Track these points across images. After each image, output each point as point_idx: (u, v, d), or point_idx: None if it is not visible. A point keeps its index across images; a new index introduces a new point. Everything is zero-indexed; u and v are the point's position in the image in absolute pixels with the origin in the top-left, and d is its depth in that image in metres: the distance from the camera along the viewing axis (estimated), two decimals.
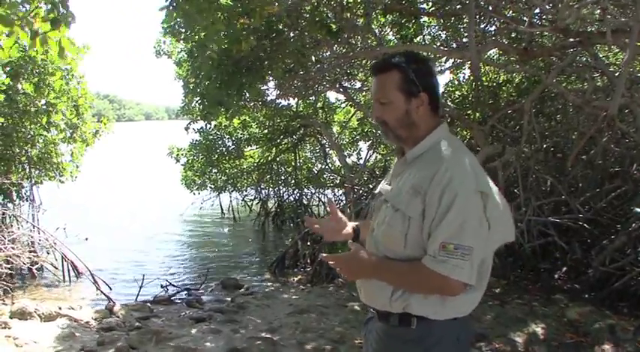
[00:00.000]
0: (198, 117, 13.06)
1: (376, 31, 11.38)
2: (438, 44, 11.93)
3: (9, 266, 9.81)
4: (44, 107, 10.06)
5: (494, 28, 10.88)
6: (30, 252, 10.95)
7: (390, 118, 2.71)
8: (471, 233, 2.46)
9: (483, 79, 12.20)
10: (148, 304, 9.82)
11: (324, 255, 2.88)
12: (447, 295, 2.56)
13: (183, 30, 10.47)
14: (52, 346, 7.05)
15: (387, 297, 2.67)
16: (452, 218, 2.44)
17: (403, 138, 2.75)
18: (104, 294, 10.51)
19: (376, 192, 3.04)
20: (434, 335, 2.64)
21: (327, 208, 3.12)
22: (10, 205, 12.36)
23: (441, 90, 13.94)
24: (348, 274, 2.89)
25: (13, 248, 9.91)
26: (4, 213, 11.82)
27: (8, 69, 8.95)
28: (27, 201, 12.93)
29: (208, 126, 14.95)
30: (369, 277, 2.76)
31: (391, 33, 12.49)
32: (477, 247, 2.48)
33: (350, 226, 3.20)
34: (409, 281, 2.62)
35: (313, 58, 10.44)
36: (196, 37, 9.78)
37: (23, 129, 10.40)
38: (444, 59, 12.03)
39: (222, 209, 21.12)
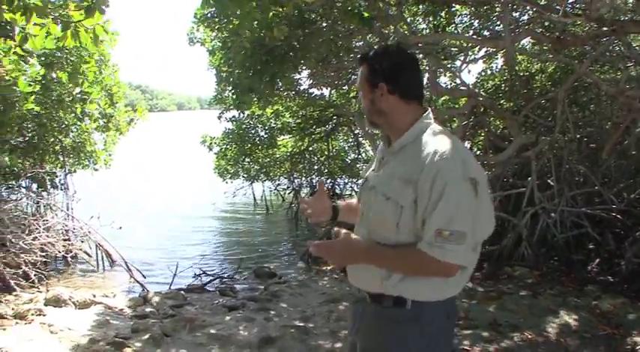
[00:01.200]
0: (231, 107, 13.03)
1: (408, 19, 11.27)
2: (471, 33, 11.77)
3: (44, 254, 9.84)
4: (79, 95, 10.05)
5: (527, 17, 10.74)
6: (64, 240, 11.00)
7: (364, 107, 3.00)
8: (463, 218, 2.60)
9: (516, 68, 12.08)
10: (182, 292, 9.82)
11: (314, 243, 2.94)
12: (443, 277, 2.72)
13: (217, 19, 10.46)
14: (86, 333, 7.05)
15: (380, 282, 2.80)
16: (444, 206, 2.56)
17: (378, 124, 2.97)
18: (138, 282, 10.56)
19: (364, 177, 3.18)
20: (428, 315, 2.79)
21: (317, 188, 3.19)
22: (44, 194, 12.40)
23: (473, 79, 13.92)
24: (337, 260, 3.02)
25: (47, 236, 9.95)
26: (38, 202, 11.88)
27: (43, 59, 8.95)
28: (61, 189, 12.99)
29: (241, 115, 14.93)
30: (359, 263, 2.89)
31: (423, 22, 12.36)
32: (469, 231, 2.61)
33: (329, 206, 3.39)
34: (404, 266, 2.75)
35: (346, 47, 10.34)
36: (230, 25, 9.75)
37: (57, 119, 10.40)
38: (476, 48, 11.92)
39: (254, 198, 21.12)
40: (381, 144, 3.16)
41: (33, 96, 7.42)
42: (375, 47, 2.97)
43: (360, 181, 3.23)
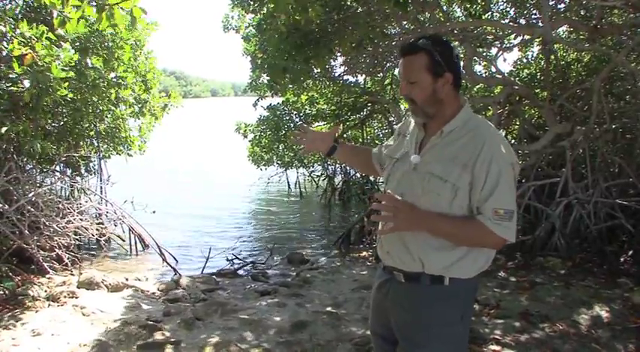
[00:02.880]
0: (266, 94, 13.02)
1: (444, 7, 11.17)
2: (507, 20, 11.63)
3: (77, 237, 9.92)
4: (114, 81, 10.08)
5: (563, 5, 10.58)
6: (98, 224, 11.06)
7: (418, 96, 2.97)
8: (512, 198, 2.88)
9: (552, 57, 11.95)
10: (214, 276, 9.87)
11: (381, 194, 2.96)
12: (492, 248, 3.01)
13: (252, 2, 10.44)
14: (118, 315, 7.12)
15: (420, 261, 2.96)
16: (500, 189, 2.82)
17: (431, 114, 3.02)
18: (170, 266, 10.63)
19: (396, 156, 3.25)
20: (464, 290, 3.03)
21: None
22: (78, 178, 12.48)
23: (509, 68, 13.78)
24: (402, 221, 2.89)
25: (81, 219, 10.02)
26: (72, 186, 11.96)
27: (77, 44, 8.98)
28: (95, 174, 13.07)
29: (276, 101, 14.92)
30: (426, 228, 2.91)
31: (459, 9, 12.25)
32: (515, 209, 2.90)
33: (329, 140, 3.63)
34: (466, 235, 2.91)
35: (381, 32, 10.25)
36: (265, 8, 9.72)
37: (92, 104, 10.44)
38: (512, 36, 11.79)
39: (289, 185, 21.23)
40: (410, 126, 3.25)
41: (67, 83, 7.42)
42: (426, 36, 2.88)
43: (394, 159, 3.17)
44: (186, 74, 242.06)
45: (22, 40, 6.62)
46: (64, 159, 10.98)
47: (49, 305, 7.36)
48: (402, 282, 3.07)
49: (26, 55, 6.62)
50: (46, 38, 6.72)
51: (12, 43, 6.57)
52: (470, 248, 2.94)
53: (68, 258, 9.36)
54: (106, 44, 9.46)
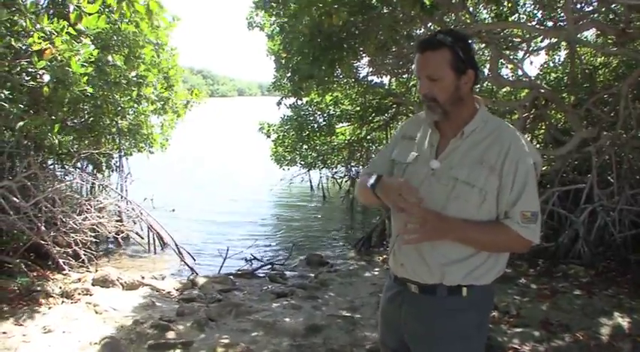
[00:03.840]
0: (290, 93, 12.96)
1: (470, 8, 11.04)
2: (534, 23, 11.47)
3: (94, 234, 9.90)
4: (135, 79, 10.04)
5: (590, 8, 10.42)
6: (117, 221, 11.06)
7: (440, 94, 2.81)
8: (537, 199, 2.81)
9: (577, 61, 11.80)
10: (231, 277, 9.80)
11: (407, 202, 2.74)
12: (521, 251, 3.03)
13: (275, 4, 10.37)
14: (131, 314, 7.10)
15: (441, 271, 2.82)
16: (526, 191, 2.74)
17: (450, 114, 2.86)
18: (187, 266, 10.60)
19: (406, 161, 3.02)
20: (482, 299, 2.92)
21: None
22: (98, 175, 12.48)
23: (536, 71, 13.62)
24: (432, 233, 2.76)
25: (98, 216, 10.00)
26: (93, 183, 11.95)
27: (99, 41, 8.96)
28: (116, 171, 13.07)
29: (300, 102, 14.86)
30: (453, 237, 2.79)
31: (485, 11, 12.11)
32: (539, 210, 2.83)
33: None
34: (494, 240, 2.82)
35: (406, 34, 10.15)
36: (289, 10, 9.65)
37: (114, 101, 10.41)
38: (539, 39, 11.64)
39: (311, 185, 21.12)
40: (420, 128, 3.08)
41: (86, 78, 7.38)
42: (444, 31, 2.72)
43: (404, 165, 2.98)
44: (214, 73, 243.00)
45: (42, 34, 6.58)
46: (83, 155, 10.93)
47: (63, 301, 7.37)
48: (417, 294, 2.94)
49: (46, 49, 6.58)
50: (66, 33, 6.67)
51: (32, 37, 6.53)
52: (489, 254, 2.84)
53: (85, 255, 9.34)
54: (127, 43, 9.42)
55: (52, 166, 10.78)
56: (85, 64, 6.94)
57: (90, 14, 6.01)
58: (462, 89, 2.82)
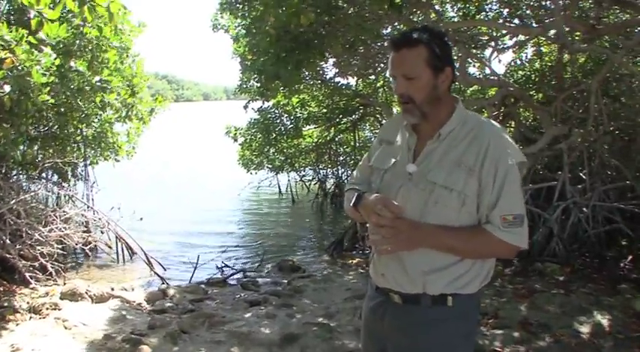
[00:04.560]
0: (257, 97, 12.85)
1: (437, 7, 11.02)
2: (500, 21, 11.46)
3: (61, 246, 9.70)
4: (98, 84, 9.83)
5: (561, 2, 10.43)
6: (84, 231, 10.86)
7: (417, 94, 2.69)
8: (521, 201, 2.68)
9: (546, 58, 11.85)
10: (202, 286, 9.65)
11: (385, 217, 2.64)
12: (507, 257, 2.82)
13: (241, 5, 10.25)
14: (101, 328, 6.91)
15: (422, 279, 2.70)
16: (507, 192, 2.59)
17: (427, 114, 2.74)
18: (158, 275, 10.40)
19: (383, 167, 2.92)
20: (468, 308, 2.78)
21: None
22: (64, 185, 12.25)
23: (504, 69, 13.66)
24: (406, 243, 2.66)
25: (64, 228, 9.79)
26: (58, 193, 11.72)
27: (61, 47, 8.77)
28: (82, 180, 12.83)
29: (267, 104, 14.75)
30: (429, 245, 2.66)
31: (451, 9, 12.09)
32: (524, 213, 2.67)
33: None
34: (473, 247, 2.68)
35: (374, 33, 10.08)
36: (254, 12, 9.53)
37: (77, 108, 10.20)
38: (506, 37, 11.65)
39: (280, 189, 20.91)
40: (397, 131, 2.96)
41: (48, 88, 7.20)
42: (420, 28, 2.57)
43: (382, 171, 2.86)
44: (178, 78, 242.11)
45: (2, 43, 6.40)
46: (47, 164, 10.71)
47: (31, 317, 7.17)
48: (400, 304, 2.80)
49: (6, 59, 6.41)
50: (26, 41, 6.50)
51: None
52: (473, 261, 2.71)
53: (52, 268, 9.14)
54: (90, 48, 9.22)
55: (15, 177, 10.53)
56: (46, 73, 6.78)
57: (52, 21, 5.85)
58: (440, 88, 2.70)
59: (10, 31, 6.39)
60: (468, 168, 2.61)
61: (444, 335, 2.74)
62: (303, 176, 20.41)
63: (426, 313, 2.74)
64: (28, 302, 7.57)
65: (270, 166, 18.35)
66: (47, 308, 7.39)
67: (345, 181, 18.56)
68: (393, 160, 2.87)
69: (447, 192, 2.63)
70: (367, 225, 2.82)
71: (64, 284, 8.68)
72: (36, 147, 11.08)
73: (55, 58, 6.98)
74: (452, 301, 2.70)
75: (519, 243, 2.64)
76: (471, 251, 2.68)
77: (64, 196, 11.71)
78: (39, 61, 6.65)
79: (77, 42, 9.05)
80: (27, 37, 6.49)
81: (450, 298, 2.69)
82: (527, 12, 10.83)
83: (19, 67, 6.53)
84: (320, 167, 19.39)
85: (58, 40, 7.96)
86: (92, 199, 12.36)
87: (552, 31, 9.53)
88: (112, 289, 8.86)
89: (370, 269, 3.02)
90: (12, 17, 8.75)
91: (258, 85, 11.12)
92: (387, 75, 2.83)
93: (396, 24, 10.40)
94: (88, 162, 12.47)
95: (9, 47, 6.41)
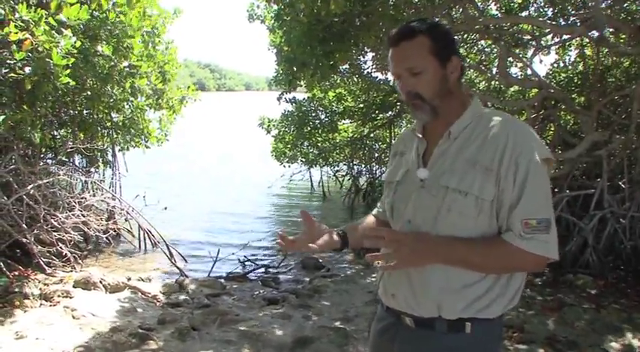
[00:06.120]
0: (285, 85, 12.68)
1: (479, 3, 10.73)
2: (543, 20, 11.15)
3: (81, 232, 9.62)
4: (127, 70, 9.68)
5: (604, 4, 10.08)
6: (108, 218, 10.76)
7: (426, 89, 2.41)
8: (547, 203, 2.30)
9: (589, 61, 11.49)
10: (221, 280, 9.44)
11: (374, 228, 2.53)
12: (533, 271, 2.61)
13: None
14: (110, 320, 6.78)
15: (437, 303, 2.38)
16: (530, 192, 2.25)
17: (439, 110, 2.45)
18: (177, 267, 10.23)
19: (396, 179, 2.65)
20: (490, 335, 2.45)
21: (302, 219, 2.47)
22: (92, 170, 12.17)
23: (545, 71, 13.31)
24: (410, 258, 2.33)
25: (84, 215, 9.67)
26: (85, 180, 11.60)
27: (87, 32, 8.64)
28: (110, 167, 12.74)
29: (302, 97, 14.57)
30: (438, 259, 2.34)
31: (494, 6, 11.77)
32: (552, 217, 2.30)
33: (333, 233, 2.78)
34: (490, 260, 2.33)
35: None
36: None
37: (106, 94, 10.07)
38: (549, 37, 11.32)
39: (312, 183, 20.72)
40: (412, 142, 2.68)
41: (69, 70, 7.03)
42: (416, 20, 2.27)
43: (393, 184, 2.58)
44: (221, 67, 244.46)
45: (21, 24, 6.25)
46: (69, 150, 10.58)
47: (41, 304, 7.09)
48: (412, 328, 2.49)
49: (25, 39, 6.26)
50: (45, 22, 6.34)
51: (8, 26, 6.19)
52: (496, 279, 2.36)
53: (71, 254, 9.03)
54: (116, 33, 9.04)
55: (42, 162, 10.42)
56: (66, 55, 6.62)
57: (71, 4, 5.69)
58: (450, 79, 2.43)
59: (30, 12, 6.24)
60: (485, 168, 2.30)
61: None
62: (337, 171, 20.14)
63: (440, 340, 2.42)
64: (40, 289, 7.46)
65: (303, 160, 18.13)
66: (59, 296, 7.30)
67: (379, 178, 18.36)
68: (404, 170, 2.61)
69: (462, 197, 2.32)
70: None
71: (81, 271, 8.56)
72: (64, 132, 10.99)
73: (76, 41, 6.81)
74: (470, 328, 2.38)
75: (546, 253, 2.27)
76: (489, 265, 2.34)
77: (89, 183, 11.57)
78: (58, 43, 6.51)
79: (103, 27, 8.88)
80: (46, 18, 6.34)
81: (468, 324, 2.38)
82: (572, 11, 10.48)
83: (39, 49, 6.39)
84: (354, 163, 19.14)
85: (81, 24, 7.79)
86: (120, 186, 12.27)
87: (594, 31, 9.21)
88: (129, 279, 8.73)
89: (379, 288, 2.69)
90: None
91: (287, 72, 10.91)
92: (390, 76, 2.52)
93: (435, 18, 10.14)
94: (118, 148, 12.35)
95: (28, 28, 6.27)
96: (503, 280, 2.38)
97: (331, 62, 9.46)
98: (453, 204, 2.33)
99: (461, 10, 9.93)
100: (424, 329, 2.45)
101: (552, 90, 10.55)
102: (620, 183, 10.25)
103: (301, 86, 12.28)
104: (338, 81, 14.30)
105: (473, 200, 2.30)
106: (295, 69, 9.94)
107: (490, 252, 2.32)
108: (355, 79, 14.60)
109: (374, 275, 9.74)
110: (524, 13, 10.88)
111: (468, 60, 12.53)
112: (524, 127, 2.40)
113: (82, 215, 9.57)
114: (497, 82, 12.19)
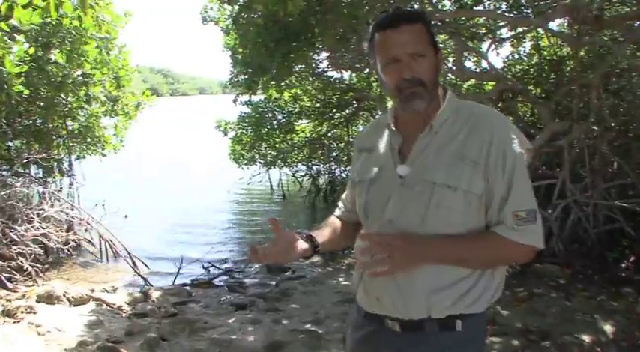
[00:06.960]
0: (245, 90, 12.61)
1: None
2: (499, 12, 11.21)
3: (40, 245, 9.42)
4: (80, 78, 9.53)
5: None
6: (67, 229, 10.57)
7: (428, 75, 2.29)
8: (532, 194, 2.30)
9: (545, 53, 11.60)
10: (187, 288, 9.33)
11: (366, 234, 2.36)
12: (524, 261, 2.46)
13: None
14: (77, 334, 6.59)
15: (426, 302, 2.28)
16: (518, 184, 2.24)
17: (431, 100, 2.33)
18: (141, 276, 10.07)
19: (368, 178, 2.48)
20: (478, 329, 2.39)
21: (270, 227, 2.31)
22: (50, 180, 11.96)
23: (502, 64, 13.40)
24: (403, 261, 2.22)
25: (43, 227, 9.49)
26: (43, 191, 11.38)
27: (39, 39, 8.46)
28: (67, 176, 12.54)
29: (257, 98, 14.53)
30: (431, 259, 2.26)
31: (447, 1, 11.82)
32: (537, 207, 2.30)
33: (300, 239, 2.51)
34: (483, 256, 2.30)
35: (366, 23, 9.82)
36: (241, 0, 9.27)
37: (60, 102, 9.90)
38: (504, 30, 11.41)
39: (271, 185, 20.51)
40: (380, 137, 2.54)
41: (21, 79, 6.87)
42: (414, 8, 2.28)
43: (366, 183, 2.44)
44: (174, 72, 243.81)
45: None
46: (25, 160, 10.38)
47: (4, 321, 6.89)
48: (399, 333, 2.36)
49: None
50: None
51: None
52: (481, 273, 2.29)
53: (32, 268, 8.83)
54: (70, 40, 8.88)
55: None
56: (19, 63, 6.46)
57: (24, 7, 5.52)
58: (439, 70, 2.38)
59: None
60: (472, 162, 2.23)
61: None
62: (296, 171, 20.06)
63: (430, 340, 2.33)
64: (2, 305, 7.31)
65: (261, 161, 18.13)
66: (22, 312, 7.10)
67: (338, 177, 18.35)
68: (377, 168, 2.46)
69: (451, 192, 2.24)
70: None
71: (43, 285, 8.37)
72: (19, 142, 10.81)
73: (29, 47, 6.66)
74: (461, 325, 2.30)
75: (535, 243, 2.26)
76: (482, 260, 2.30)
77: (47, 193, 11.35)
78: (11, 49, 6.34)
79: (56, 33, 8.72)
80: None
81: (458, 322, 2.29)
82: (526, 3, 10.54)
83: None
84: (313, 163, 19.10)
85: (35, 30, 7.63)
86: (78, 196, 12.08)
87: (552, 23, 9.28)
88: (93, 290, 8.55)
89: (358, 292, 2.54)
90: None
91: (246, 77, 10.84)
92: (380, 60, 2.32)
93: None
94: (74, 157, 12.17)
95: None
96: (488, 274, 2.33)
97: (286, 63, 9.40)
98: (442, 200, 2.24)
99: (416, 5, 9.92)
100: (412, 332, 2.34)
101: (509, 83, 10.62)
102: (582, 171, 10.34)
103: (259, 89, 12.23)
104: (294, 81, 14.29)
105: (462, 194, 2.23)
106: (252, 72, 9.86)
107: (481, 247, 2.29)
108: (310, 79, 14.56)
109: (341, 276, 9.71)
110: (479, 7, 10.89)
111: None
112: (505, 119, 2.41)
113: (42, 227, 9.42)
114: (452, 76, 12.21)
